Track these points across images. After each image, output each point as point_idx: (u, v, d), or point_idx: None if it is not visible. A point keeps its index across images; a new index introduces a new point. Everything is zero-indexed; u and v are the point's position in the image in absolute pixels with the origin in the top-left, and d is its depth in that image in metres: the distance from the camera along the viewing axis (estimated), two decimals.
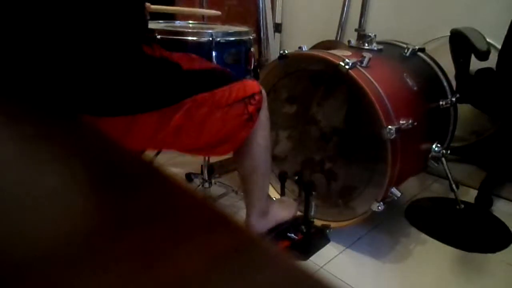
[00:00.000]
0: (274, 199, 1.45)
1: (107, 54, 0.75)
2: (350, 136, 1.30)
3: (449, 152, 1.44)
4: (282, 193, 1.39)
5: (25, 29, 0.69)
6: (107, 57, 0.75)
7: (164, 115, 0.83)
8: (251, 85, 0.96)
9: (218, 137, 0.93)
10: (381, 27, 2.01)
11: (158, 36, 1.23)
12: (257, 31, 2.45)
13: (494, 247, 1.35)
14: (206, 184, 1.59)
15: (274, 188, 1.47)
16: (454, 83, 1.51)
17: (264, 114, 0.99)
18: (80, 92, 0.74)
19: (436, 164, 1.44)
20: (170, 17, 1.61)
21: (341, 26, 2.24)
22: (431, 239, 1.38)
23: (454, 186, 1.47)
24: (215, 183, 1.63)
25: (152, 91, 0.81)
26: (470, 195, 1.63)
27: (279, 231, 1.24)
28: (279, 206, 1.26)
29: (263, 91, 0.99)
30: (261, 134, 1.01)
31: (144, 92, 0.80)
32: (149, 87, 0.81)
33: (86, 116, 0.73)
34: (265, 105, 0.99)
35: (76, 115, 0.43)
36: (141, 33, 0.83)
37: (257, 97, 0.95)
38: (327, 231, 1.36)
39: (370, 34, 1.47)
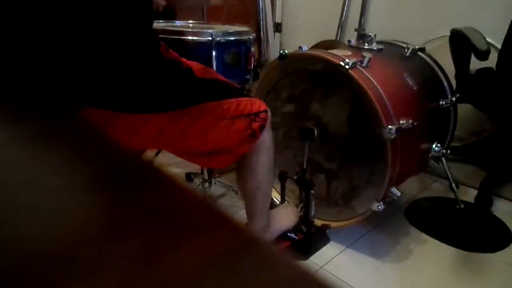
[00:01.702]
0: (277, 202, 1.45)
1: (128, 52, 0.77)
2: (350, 136, 1.30)
3: (449, 152, 1.44)
4: (282, 193, 1.39)
5: (45, 28, 0.69)
6: (127, 55, 0.77)
7: (172, 117, 0.85)
8: (258, 103, 0.98)
9: (219, 147, 0.94)
10: (381, 27, 2.01)
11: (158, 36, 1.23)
12: (257, 31, 2.45)
13: (494, 247, 1.35)
14: (206, 184, 1.59)
15: (274, 188, 1.47)
16: (454, 83, 1.51)
17: (268, 135, 1.00)
18: (98, 86, 0.75)
19: (436, 164, 1.44)
20: (170, 16, 1.60)
21: (341, 26, 2.24)
22: (431, 239, 1.38)
23: (454, 186, 1.47)
24: (215, 183, 1.63)
25: (167, 93, 0.84)
26: (470, 195, 1.63)
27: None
28: (280, 216, 1.27)
29: (269, 112, 1.00)
30: (264, 154, 1.01)
31: (159, 93, 0.82)
32: (164, 88, 0.83)
33: (98, 110, 0.74)
34: (269, 123, 1.00)
35: (77, 113, 0.43)
36: (156, 34, 0.85)
37: (262, 115, 0.97)
38: (327, 231, 1.36)
39: (370, 34, 1.47)
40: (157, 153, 1.70)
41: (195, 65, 0.94)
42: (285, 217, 1.28)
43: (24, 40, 0.69)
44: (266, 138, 1.00)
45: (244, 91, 1.47)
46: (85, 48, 0.72)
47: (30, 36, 0.69)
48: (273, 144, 1.05)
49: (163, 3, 0.94)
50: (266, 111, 0.98)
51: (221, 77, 0.99)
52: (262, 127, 0.96)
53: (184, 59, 0.92)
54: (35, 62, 0.71)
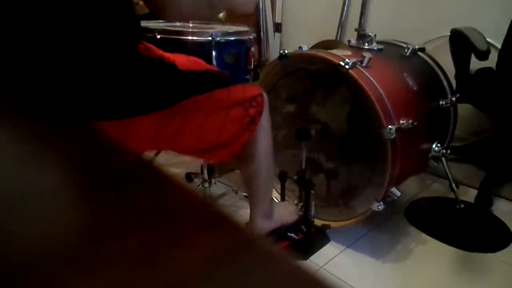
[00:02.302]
0: (277, 201, 1.45)
1: (102, 57, 0.74)
2: (351, 136, 1.30)
3: (449, 151, 1.44)
4: (282, 193, 1.39)
5: (20, 36, 0.69)
6: (102, 61, 0.74)
7: (162, 117, 0.82)
8: (252, 88, 0.96)
9: (219, 140, 0.92)
10: (381, 27, 2.01)
11: (158, 36, 1.24)
12: (257, 31, 2.45)
13: (494, 247, 1.35)
14: (206, 184, 1.59)
15: (274, 188, 1.47)
16: (454, 83, 1.51)
17: (265, 118, 0.98)
18: (76, 97, 0.73)
19: (436, 164, 1.44)
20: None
21: (341, 26, 2.24)
22: (431, 238, 1.38)
23: (454, 185, 1.47)
24: (215, 183, 1.63)
25: (148, 93, 0.80)
26: (470, 195, 1.63)
27: (279, 231, 1.24)
28: (281, 209, 1.26)
29: (265, 94, 0.98)
30: (263, 139, 1.00)
31: (140, 95, 0.79)
32: (145, 89, 0.80)
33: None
34: (266, 108, 0.98)
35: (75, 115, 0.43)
36: (135, 34, 0.82)
37: (258, 99, 0.94)
38: (327, 230, 1.36)
39: (370, 34, 1.47)
40: (157, 153, 1.70)
41: (180, 58, 0.90)
42: (286, 211, 1.28)
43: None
44: (264, 122, 0.97)
45: None
46: (55, 53, 0.70)
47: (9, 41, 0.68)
48: (271, 127, 1.02)
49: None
50: (261, 95, 0.95)
51: (210, 67, 0.96)
52: (260, 112, 0.94)
53: (167, 54, 0.88)
54: (20, 66, 0.70)
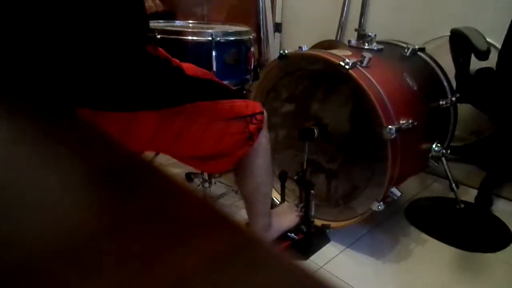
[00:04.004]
0: (277, 202, 1.45)
1: (111, 49, 0.75)
2: (351, 136, 1.30)
3: (449, 151, 1.44)
4: (282, 193, 1.39)
5: (28, 24, 0.69)
6: (110, 52, 0.75)
7: (164, 117, 0.83)
8: (254, 104, 0.97)
9: (216, 150, 0.93)
10: (381, 27, 2.01)
11: (158, 36, 1.24)
12: (257, 31, 2.45)
13: (494, 247, 1.35)
14: (206, 184, 1.59)
15: (274, 188, 1.47)
16: (454, 83, 1.51)
17: (264, 135, 0.99)
18: (82, 86, 0.74)
19: (436, 164, 1.44)
20: (170, 17, 1.61)
21: (341, 26, 2.24)
22: (431, 238, 1.38)
23: (454, 185, 1.47)
24: (215, 183, 1.63)
25: (154, 90, 0.81)
26: (470, 195, 1.63)
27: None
28: (281, 215, 1.27)
29: (265, 113, 0.99)
30: (262, 156, 1.01)
31: (146, 90, 0.80)
32: (151, 85, 0.81)
33: (87, 110, 0.74)
34: (265, 126, 0.99)
35: (74, 112, 0.43)
36: (144, 31, 0.83)
37: (258, 117, 0.95)
38: (327, 230, 1.36)
39: (370, 34, 1.47)
40: (157, 153, 1.70)
41: (187, 65, 0.92)
42: (286, 217, 1.29)
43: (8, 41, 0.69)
44: (263, 140, 0.99)
45: (244, 92, 1.47)
46: (65, 45, 0.71)
47: (14, 36, 0.69)
48: (270, 145, 1.04)
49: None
50: (262, 112, 0.97)
51: (215, 79, 0.98)
52: (259, 129, 0.96)
53: (175, 59, 0.90)
54: (23, 62, 0.70)
